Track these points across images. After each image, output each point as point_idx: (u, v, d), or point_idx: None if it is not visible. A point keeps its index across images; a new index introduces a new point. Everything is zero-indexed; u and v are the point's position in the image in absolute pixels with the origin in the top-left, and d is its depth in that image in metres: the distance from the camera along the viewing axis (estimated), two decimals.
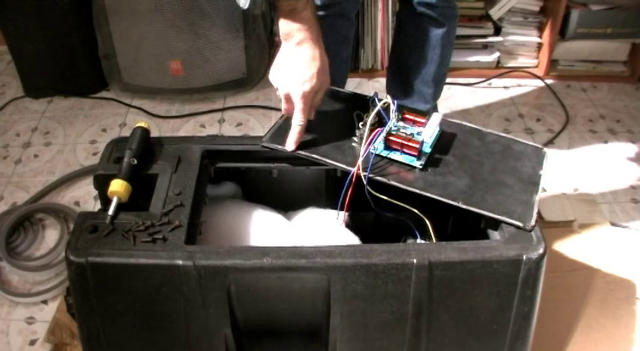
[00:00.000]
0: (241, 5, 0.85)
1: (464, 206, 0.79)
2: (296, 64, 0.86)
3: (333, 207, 0.90)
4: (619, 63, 2.04)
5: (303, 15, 0.84)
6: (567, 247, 1.30)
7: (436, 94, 1.55)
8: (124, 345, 0.78)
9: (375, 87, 1.96)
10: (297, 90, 0.86)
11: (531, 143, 0.91)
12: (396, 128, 0.88)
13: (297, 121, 0.87)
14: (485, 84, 2.01)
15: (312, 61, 0.86)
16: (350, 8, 1.40)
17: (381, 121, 0.88)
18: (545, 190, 1.54)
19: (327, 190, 0.96)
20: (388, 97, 0.89)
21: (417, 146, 0.84)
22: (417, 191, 0.81)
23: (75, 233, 0.75)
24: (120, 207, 0.78)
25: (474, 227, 0.82)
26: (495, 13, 1.97)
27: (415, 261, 0.72)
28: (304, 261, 0.72)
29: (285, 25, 0.85)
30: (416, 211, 0.82)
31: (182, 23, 1.76)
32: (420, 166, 0.84)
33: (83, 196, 1.56)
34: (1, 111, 1.89)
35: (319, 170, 0.93)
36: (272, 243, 0.86)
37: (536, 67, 2.05)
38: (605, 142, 1.77)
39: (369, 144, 0.84)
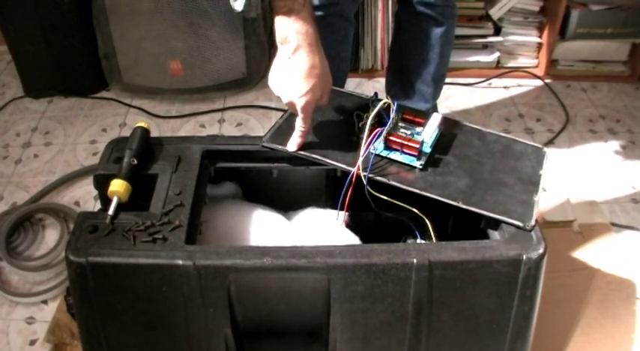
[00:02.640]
0: (236, 8, 0.82)
1: (464, 206, 0.79)
2: (296, 74, 0.82)
3: (333, 207, 0.89)
4: (619, 63, 2.04)
5: (300, 16, 0.80)
6: (567, 247, 1.30)
7: (436, 93, 1.56)
8: (124, 345, 0.78)
9: (375, 87, 1.96)
10: (299, 101, 0.83)
11: (531, 143, 0.91)
12: (396, 128, 0.88)
13: (300, 127, 0.85)
14: (485, 84, 2.01)
15: (311, 70, 0.81)
16: (349, 8, 1.40)
17: (381, 121, 0.88)
18: (545, 190, 1.54)
19: (327, 190, 0.96)
20: (388, 97, 0.89)
21: (417, 146, 0.83)
22: (417, 191, 0.81)
23: (75, 233, 0.75)
24: (120, 207, 0.78)
25: (474, 227, 0.82)
26: (495, 13, 1.97)
27: (415, 261, 0.72)
28: (304, 261, 0.72)
29: (281, 28, 0.81)
30: (416, 211, 0.82)
31: (182, 23, 1.76)
32: (420, 166, 0.84)
33: (83, 196, 1.56)
34: (1, 111, 1.89)
35: (319, 170, 0.93)
36: (272, 243, 0.86)
37: (536, 67, 2.05)
38: (605, 142, 1.77)
39: (369, 144, 0.84)
